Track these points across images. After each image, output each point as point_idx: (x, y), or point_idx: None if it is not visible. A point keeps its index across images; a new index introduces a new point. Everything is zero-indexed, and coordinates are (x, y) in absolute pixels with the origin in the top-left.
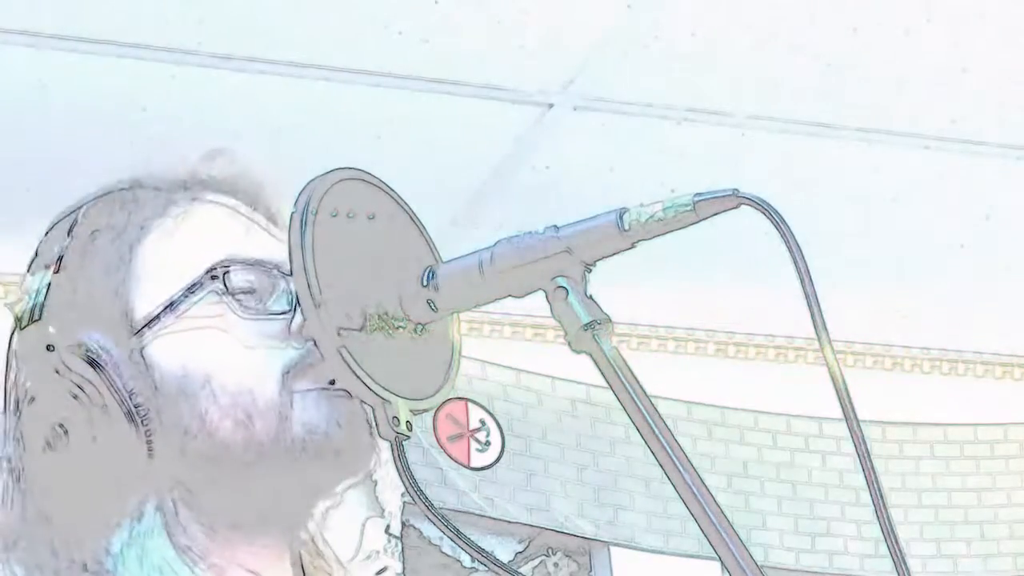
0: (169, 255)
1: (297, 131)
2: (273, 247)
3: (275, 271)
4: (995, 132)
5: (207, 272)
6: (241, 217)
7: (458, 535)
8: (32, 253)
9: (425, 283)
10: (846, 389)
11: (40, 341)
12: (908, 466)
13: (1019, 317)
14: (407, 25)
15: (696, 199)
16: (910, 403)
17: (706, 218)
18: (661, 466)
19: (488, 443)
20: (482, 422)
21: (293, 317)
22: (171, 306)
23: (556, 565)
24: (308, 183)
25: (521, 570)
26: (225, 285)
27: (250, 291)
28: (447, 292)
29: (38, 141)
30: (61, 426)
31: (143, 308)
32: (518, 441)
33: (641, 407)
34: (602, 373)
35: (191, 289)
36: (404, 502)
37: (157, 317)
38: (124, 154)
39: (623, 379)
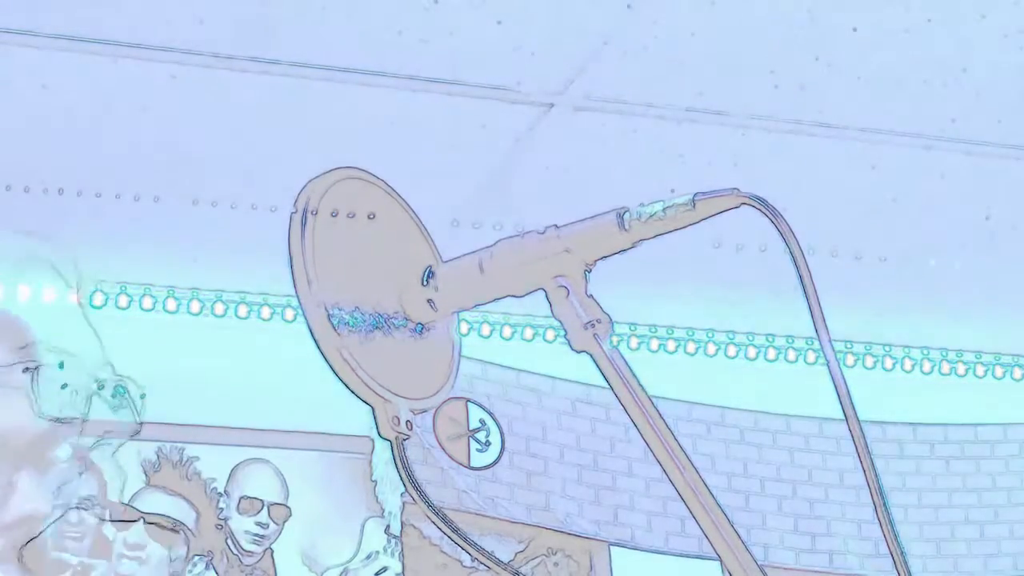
0: None
1: (297, 131)
2: None
3: None
4: (995, 132)
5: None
6: None
7: (458, 535)
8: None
9: (425, 282)
10: (846, 389)
11: None
12: (908, 466)
13: (1019, 317)
14: (407, 25)
15: (696, 198)
16: (910, 403)
17: (706, 217)
18: (661, 466)
19: (488, 443)
20: (482, 422)
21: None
22: None
23: (556, 565)
24: (308, 183)
25: (521, 570)
26: None
27: None
28: (447, 291)
29: (38, 141)
30: None
31: None
32: (518, 441)
33: (641, 407)
34: (602, 373)
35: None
36: (404, 502)
37: None
38: (124, 154)
39: (623, 379)
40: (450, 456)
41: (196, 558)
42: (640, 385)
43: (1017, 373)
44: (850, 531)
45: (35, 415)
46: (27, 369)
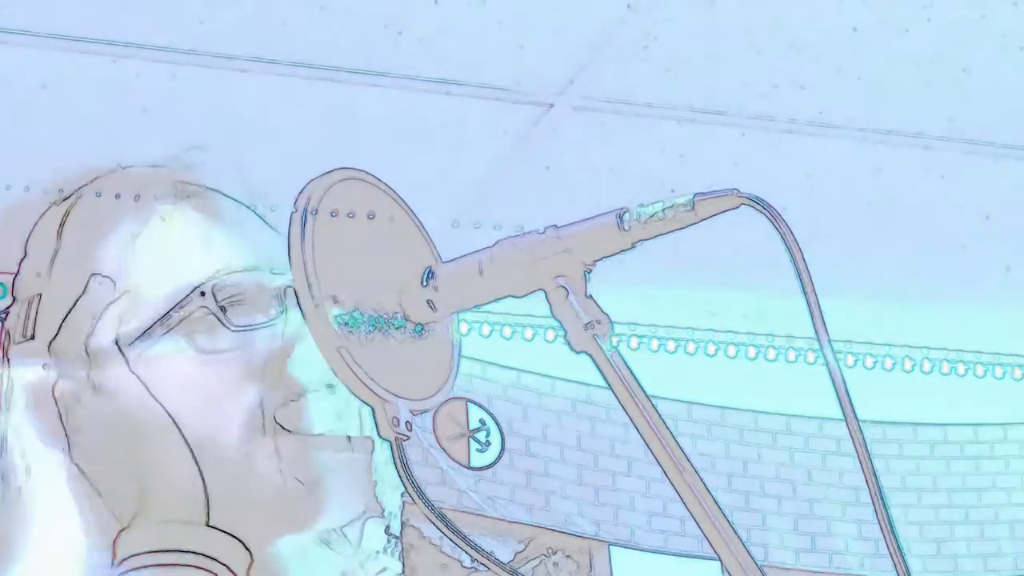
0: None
1: (297, 131)
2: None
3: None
4: (995, 132)
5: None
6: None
7: (458, 535)
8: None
9: (425, 283)
10: (846, 389)
11: None
12: (908, 466)
13: (1020, 317)
14: (407, 25)
15: (696, 199)
16: (910, 403)
17: (706, 218)
18: (661, 466)
19: (488, 443)
20: (482, 422)
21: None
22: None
23: (556, 565)
24: (308, 183)
25: (521, 570)
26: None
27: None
28: (447, 292)
29: (38, 141)
30: None
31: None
32: (518, 441)
33: (641, 407)
34: (602, 373)
35: (181, 304)
36: (404, 502)
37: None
38: (124, 154)
39: (623, 379)
40: (450, 456)
41: None
42: (640, 386)
43: (1017, 373)
44: (850, 531)
45: (229, 330)
46: (203, 293)
